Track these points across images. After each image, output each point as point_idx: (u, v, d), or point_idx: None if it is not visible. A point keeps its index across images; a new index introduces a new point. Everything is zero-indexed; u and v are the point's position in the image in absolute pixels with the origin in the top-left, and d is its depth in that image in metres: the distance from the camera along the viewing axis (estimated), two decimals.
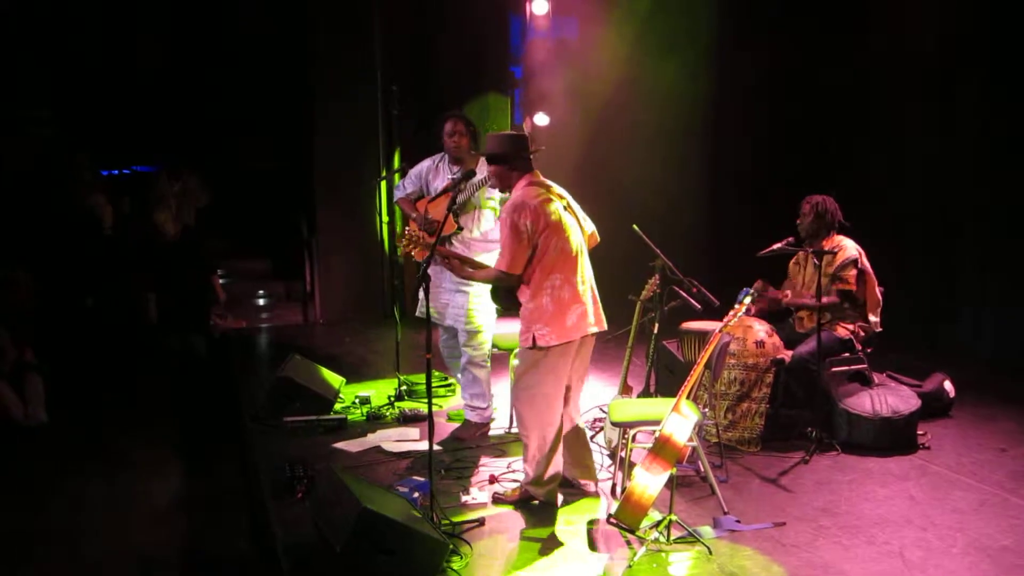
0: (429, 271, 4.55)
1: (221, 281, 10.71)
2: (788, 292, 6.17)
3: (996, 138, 7.66)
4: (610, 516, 4.45)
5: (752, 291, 5.02)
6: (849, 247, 5.95)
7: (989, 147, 7.75)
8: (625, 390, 5.62)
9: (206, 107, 11.86)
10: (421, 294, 5.76)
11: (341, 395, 6.76)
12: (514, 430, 5.84)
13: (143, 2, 11.81)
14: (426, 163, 6.08)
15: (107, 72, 11.53)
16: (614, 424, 5.04)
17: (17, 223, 8.76)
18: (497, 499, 4.96)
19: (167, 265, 8.19)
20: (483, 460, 5.57)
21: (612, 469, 5.28)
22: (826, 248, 5.91)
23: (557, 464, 4.86)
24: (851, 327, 6.00)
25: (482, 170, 5.48)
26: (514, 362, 5.67)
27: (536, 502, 4.90)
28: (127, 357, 8.40)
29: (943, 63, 8.05)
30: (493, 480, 5.21)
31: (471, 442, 5.88)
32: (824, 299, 5.81)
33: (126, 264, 8.63)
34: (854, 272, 5.91)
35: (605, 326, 4.86)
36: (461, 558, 4.28)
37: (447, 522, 4.58)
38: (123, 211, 9.19)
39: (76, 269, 8.65)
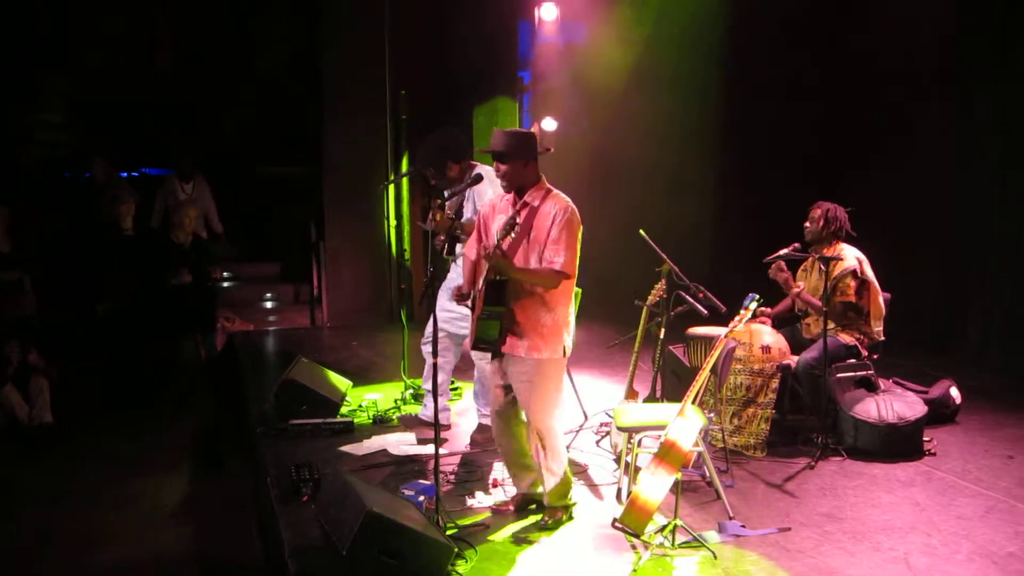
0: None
1: (227, 284, 10.76)
2: (802, 284, 6.10)
3: (1007, 142, 7.65)
4: (615, 520, 4.45)
5: (758, 296, 5.02)
6: (848, 256, 5.92)
7: (1000, 152, 7.74)
8: (631, 395, 5.63)
9: (216, 110, 11.92)
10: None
11: (348, 398, 6.78)
12: None
13: (156, 6, 11.89)
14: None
15: (119, 74, 11.60)
16: (620, 429, 5.04)
17: (30, 227, 8.81)
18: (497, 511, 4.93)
19: (181, 268, 8.33)
20: (488, 464, 5.58)
21: (617, 474, 5.28)
22: (827, 255, 5.90)
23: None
24: (856, 334, 5.99)
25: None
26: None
27: (551, 520, 4.76)
28: (135, 359, 8.44)
29: (954, 65, 8.05)
30: (496, 484, 5.22)
31: (488, 445, 5.89)
32: (815, 301, 5.82)
33: (142, 265, 8.71)
34: (853, 283, 5.89)
35: None
36: (466, 561, 4.28)
37: (452, 525, 4.59)
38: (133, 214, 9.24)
39: (88, 273, 8.70)
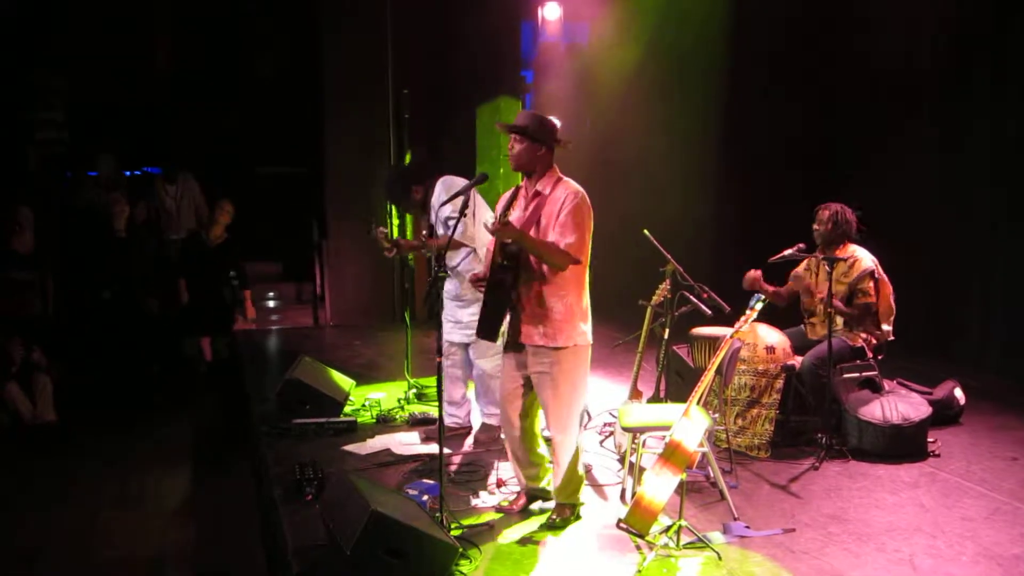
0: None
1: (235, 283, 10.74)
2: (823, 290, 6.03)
3: (1008, 143, 7.63)
4: (620, 521, 4.44)
5: (764, 297, 5.00)
6: (864, 258, 5.91)
7: (1001, 153, 7.73)
8: (635, 395, 5.62)
9: (219, 110, 11.91)
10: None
11: (351, 397, 6.77)
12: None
13: (157, 5, 11.88)
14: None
15: (121, 74, 11.59)
16: (624, 429, 5.04)
17: (48, 227, 8.81)
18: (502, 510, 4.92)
19: (203, 262, 8.40)
20: (493, 464, 5.57)
21: (622, 474, 5.27)
22: (838, 256, 5.89)
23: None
24: (864, 335, 5.98)
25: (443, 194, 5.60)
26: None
27: (559, 518, 4.75)
28: (140, 358, 8.45)
29: (951, 65, 8.04)
30: (501, 484, 5.21)
31: (491, 444, 5.88)
32: (845, 309, 5.81)
33: (137, 263, 8.71)
34: (872, 284, 5.88)
35: None
36: (470, 561, 4.27)
37: (456, 525, 4.58)
38: (137, 217, 9.23)
39: (89, 268, 8.70)
